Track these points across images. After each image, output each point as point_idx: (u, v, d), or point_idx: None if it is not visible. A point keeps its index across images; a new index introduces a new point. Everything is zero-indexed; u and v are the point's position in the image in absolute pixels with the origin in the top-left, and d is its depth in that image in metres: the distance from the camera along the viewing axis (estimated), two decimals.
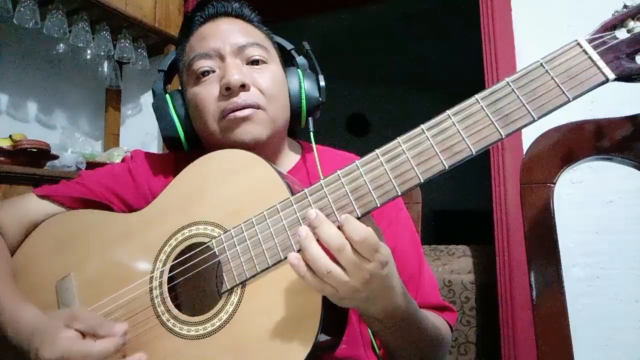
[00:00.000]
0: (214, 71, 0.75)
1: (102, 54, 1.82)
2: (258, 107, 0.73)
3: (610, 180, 1.35)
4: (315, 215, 0.52)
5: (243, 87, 0.72)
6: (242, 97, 0.72)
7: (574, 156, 0.62)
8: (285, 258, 0.57)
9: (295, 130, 0.88)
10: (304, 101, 0.79)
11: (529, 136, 0.62)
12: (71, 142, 1.85)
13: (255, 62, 0.76)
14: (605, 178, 1.35)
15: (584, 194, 1.39)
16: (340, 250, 0.51)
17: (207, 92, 0.74)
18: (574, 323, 0.61)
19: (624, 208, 1.35)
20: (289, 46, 0.85)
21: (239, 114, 0.71)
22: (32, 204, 0.77)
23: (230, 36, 0.75)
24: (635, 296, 1.33)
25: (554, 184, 0.63)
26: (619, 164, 0.62)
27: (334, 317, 0.58)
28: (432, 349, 0.70)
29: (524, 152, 0.66)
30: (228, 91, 0.72)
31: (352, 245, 0.51)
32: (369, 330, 0.70)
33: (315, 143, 0.79)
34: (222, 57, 0.74)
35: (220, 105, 0.73)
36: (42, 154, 1.58)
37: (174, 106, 0.79)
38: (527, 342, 1.39)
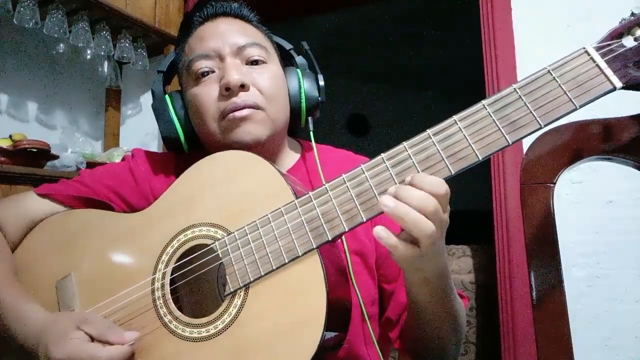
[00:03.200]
0: (213, 71, 0.75)
1: (102, 54, 1.82)
2: (257, 107, 0.73)
3: (610, 180, 1.35)
4: (396, 188, 0.53)
5: (242, 87, 0.72)
6: (241, 98, 0.72)
7: (574, 156, 0.62)
8: (290, 261, 0.57)
9: (295, 129, 0.88)
10: (303, 101, 0.79)
11: (529, 136, 0.62)
12: (71, 142, 1.85)
13: (254, 62, 0.76)
14: (605, 178, 1.36)
15: (584, 194, 1.39)
16: (436, 211, 0.51)
17: (207, 93, 0.74)
18: (574, 323, 0.61)
19: (624, 208, 1.35)
20: (287, 46, 0.85)
21: (238, 114, 0.71)
22: (32, 203, 0.77)
23: (229, 36, 0.75)
24: (635, 296, 1.33)
25: (554, 184, 0.63)
26: (619, 164, 0.62)
27: (337, 317, 0.58)
28: (460, 322, 0.72)
29: (524, 152, 0.66)
30: (228, 91, 0.72)
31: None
32: (370, 329, 0.71)
33: (315, 142, 0.79)
34: (221, 58, 0.74)
35: (220, 106, 0.73)
36: (42, 154, 1.58)
37: (173, 107, 0.79)
38: (527, 342, 1.39)
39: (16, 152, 1.50)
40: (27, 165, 1.52)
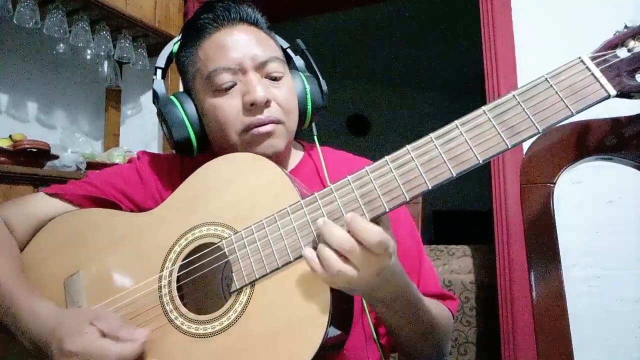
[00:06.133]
0: (235, 84, 0.74)
1: (102, 54, 1.83)
2: (279, 122, 0.74)
3: (610, 180, 1.35)
4: (323, 222, 0.55)
5: (266, 103, 0.73)
6: (265, 114, 0.73)
7: (574, 156, 0.63)
8: (295, 259, 0.58)
9: (298, 130, 0.88)
10: (309, 108, 0.81)
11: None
12: (71, 142, 1.85)
13: (275, 79, 0.76)
14: (605, 178, 1.36)
15: (584, 194, 1.39)
16: (351, 252, 0.53)
17: (229, 106, 0.74)
18: (574, 323, 0.61)
19: (624, 208, 1.35)
20: (284, 44, 0.85)
21: (263, 129, 0.72)
22: (41, 202, 0.77)
23: (250, 48, 0.75)
24: (635, 296, 1.33)
25: (554, 184, 0.63)
26: (619, 164, 0.62)
27: (340, 315, 0.59)
28: (434, 332, 0.72)
29: (524, 152, 0.66)
30: (252, 106, 0.72)
31: (364, 246, 0.53)
32: (370, 323, 0.71)
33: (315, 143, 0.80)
34: (243, 71, 0.74)
35: (244, 120, 0.73)
36: (42, 154, 1.58)
37: (184, 110, 0.77)
38: (527, 342, 1.39)
39: (16, 152, 1.50)
40: (27, 165, 1.52)
